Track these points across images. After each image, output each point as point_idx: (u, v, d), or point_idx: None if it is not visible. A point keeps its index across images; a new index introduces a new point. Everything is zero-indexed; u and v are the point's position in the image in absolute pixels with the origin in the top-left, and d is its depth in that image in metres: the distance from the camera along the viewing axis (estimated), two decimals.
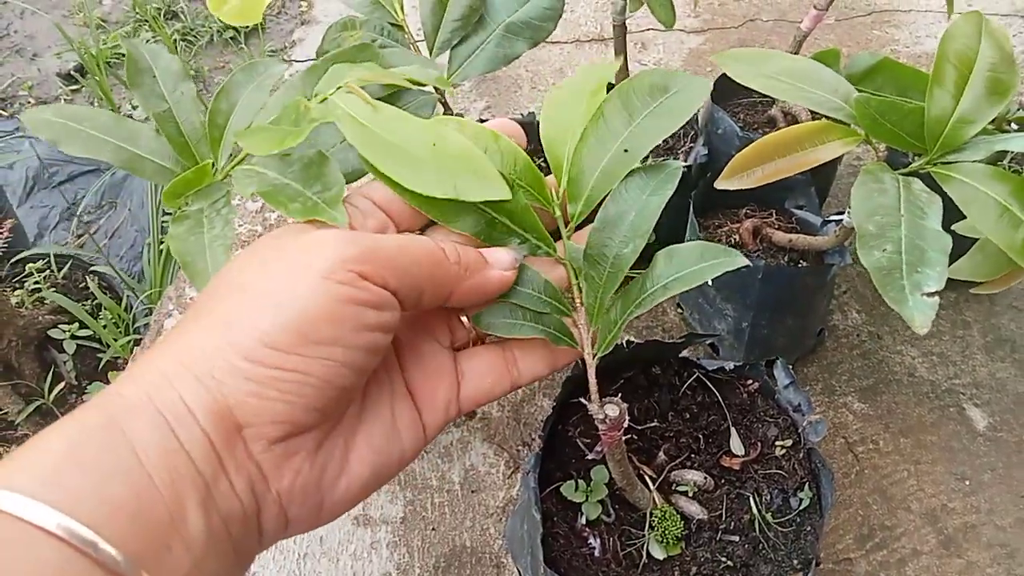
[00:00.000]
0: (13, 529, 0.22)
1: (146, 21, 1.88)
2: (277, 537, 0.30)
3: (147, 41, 1.92)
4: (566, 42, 1.22)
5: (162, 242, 1.12)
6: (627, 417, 0.42)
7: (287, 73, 1.27)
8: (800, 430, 0.53)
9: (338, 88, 0.50)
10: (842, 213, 0.64)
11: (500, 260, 0.38)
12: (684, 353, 0.57)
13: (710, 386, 0.55)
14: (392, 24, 0.73)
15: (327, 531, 0.70)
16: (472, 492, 0.71)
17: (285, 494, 0.29)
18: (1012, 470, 0.70)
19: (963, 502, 0.69)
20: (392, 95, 0.63)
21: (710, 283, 0.73)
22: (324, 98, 0.50)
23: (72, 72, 1.81)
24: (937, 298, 0.48)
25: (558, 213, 0.42)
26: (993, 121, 0.60)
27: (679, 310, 0.84)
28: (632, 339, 0.54)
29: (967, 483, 0.70)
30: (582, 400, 0.42)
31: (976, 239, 0.64)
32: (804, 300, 0.72)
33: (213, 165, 0.54)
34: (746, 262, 0.38)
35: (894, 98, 0.65)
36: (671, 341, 0.53)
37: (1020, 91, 0.79)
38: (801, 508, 0.51)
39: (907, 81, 0.65)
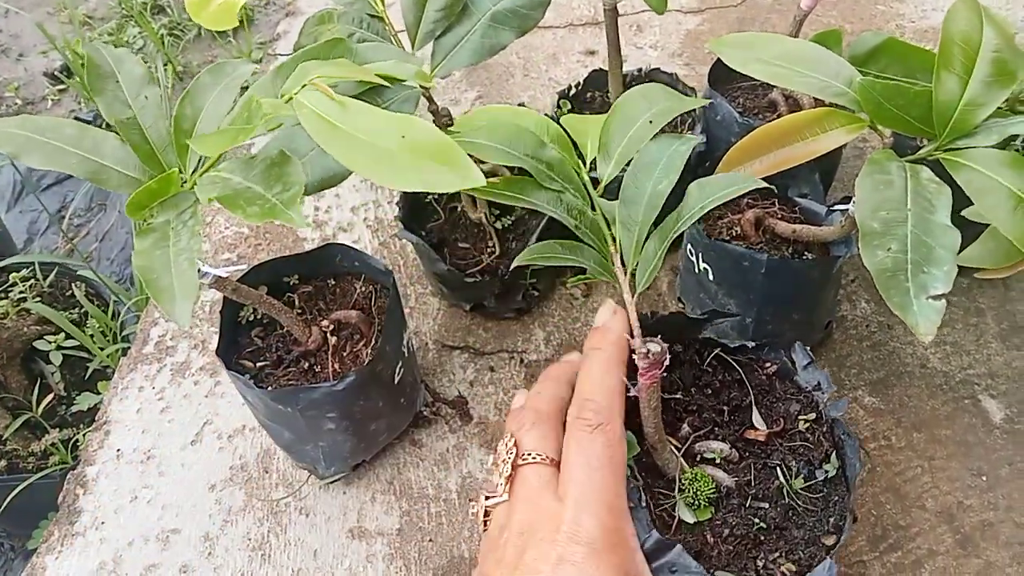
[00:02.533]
0: None
1: (132, 17, 1.85)
2: None
3: (134, 36, 1.89)
4: (559, 27, 1.18)
5: None
6: (668, 355, 0.44)
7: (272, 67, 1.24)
8: (821, 406, 0.53)
9: (303, 86, 0.48)
10: (848, 200, 0.61)
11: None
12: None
13: (732, 363, 0.56)
14: (372, 16, 0.70)
15: (321, 545, 0.68)
16: (469, 501, 0.69)
17: None
18: None
19: (980, 499, 0.66)
20: (372, 91, 0.60)
21: (711, 278, 0.70)
22: (290, 97, 0.48)
23: (57, 72, 1.78)
24: (944, 301, 0.45)
25: (585, 173, 0.52)
26: (1006, 102, 0.57)
27: (680, 303, 0.81)
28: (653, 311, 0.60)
29: (984, 479, 0.67)
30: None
31: (988, 224, 0.61)
32: (810, 293, 0.69)
33: (180, 173, 0.51)
34: (764, 184, 0.49)
35: (900, 80, 0.62)
36: (694, 316, 0.55)
37: None
38: (828, 478, 0.51)
39: (914, 61, 0.62)
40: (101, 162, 0.51)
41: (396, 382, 0.67)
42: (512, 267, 0.48)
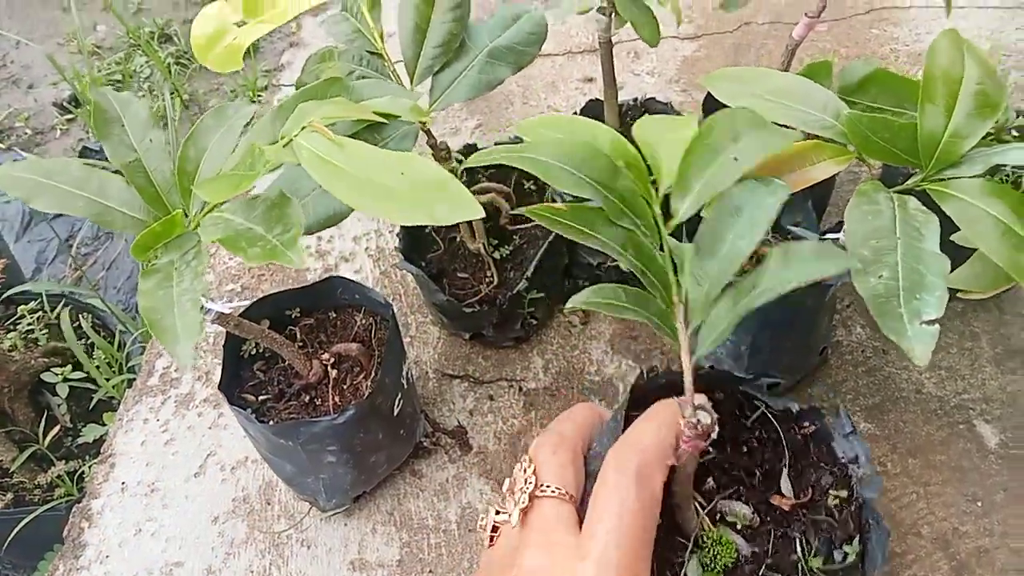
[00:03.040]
0: None
1: (139, 46, 1.88)
2: None
3: (142, 65, 1.92)
4: (558, 54, 1.20)
5: None
6: (716, 428, 0.41)
7: (276, 98, 1.26)
8: (854, 483, 0.50)
9: (302, 128, 0.49)
10: (840, 227, 0.62)
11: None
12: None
13: (772, 421, 0.53)
14: (372, 52, 0.72)
15: None
16: (469, 531, 0.70)
17: None
18: None
19: (975, 525, 0.66)
20: (371, 128, 0.62)
21: None
22: (289, 140, 0.49)
23: (66, 103, 1.81)
24: (937, 326, 0.46)
25: (657, 207, 0.45)
26: (992, 132, 0.58)
27: None
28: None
29: (979, 504, 0.68)
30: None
31: (975, 248, 0.61)
32: (804, 321, 0.70)
33: (185, 214, 0.52)
34: (845, 267, 0.41)
35: (890, 109, 0.63)
36: (739, 375, 0.52)
37: (1022, 101, 0.77)
38: (846, 562, 0.48)
39: (903, 91, 0.63)
40: (107, 204, 0.53)
41: (396, 414, 0.67)
42: (568, 308, 0.42)
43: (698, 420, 0.40)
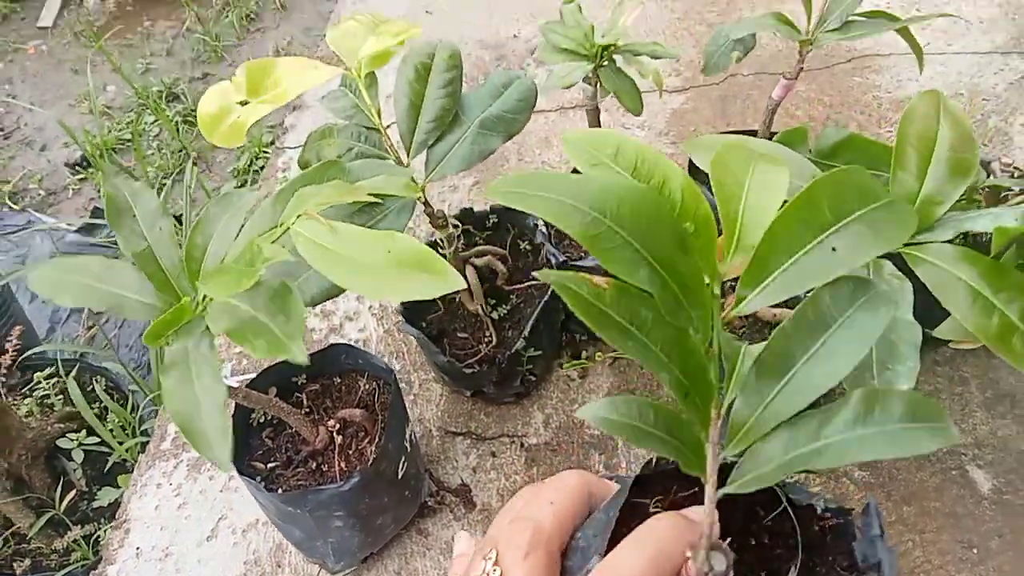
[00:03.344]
0: None
1: (147, 105, 1.93)
2: None
3: (150, 124, 1.97)
4: (550, 110, 1.24)
5: None
6: (732, 572, 0.34)
7: (280, 160, 1.30)
8: None
9: (298, 216, 0.52)
10: None
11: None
12: None
13: (790, 513, 0.43)
14: (369, 128, 0.75)
15: None
16: None
17: None
18: (1020, 535, 0.69)
19: (972, 572, 0.67)
20: (370, 204, 0.65)
21: None
22: (287, 228, 0.52)
23: (78, 164, 1.86)
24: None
25: (717, 291, 0.33)
26: (964, 194, 0.60)
27: None
28: None
29: (975, 551, 0.69)
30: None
31: None
32: None
33: (192, 299, 0.55)
34: (959, 439, 0.29)
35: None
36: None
37: (1001, 146, 0.79)
38: None
39: (876, 155, 0.66)
40: (122, 294, 0.55)
41: (400, 476, 0.70)
42: (579, 415, 0.32)
43: (711, 568, 0.32)
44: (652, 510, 0.37)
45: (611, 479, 0.39)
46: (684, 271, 0.31)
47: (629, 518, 0.35)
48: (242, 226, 0.58)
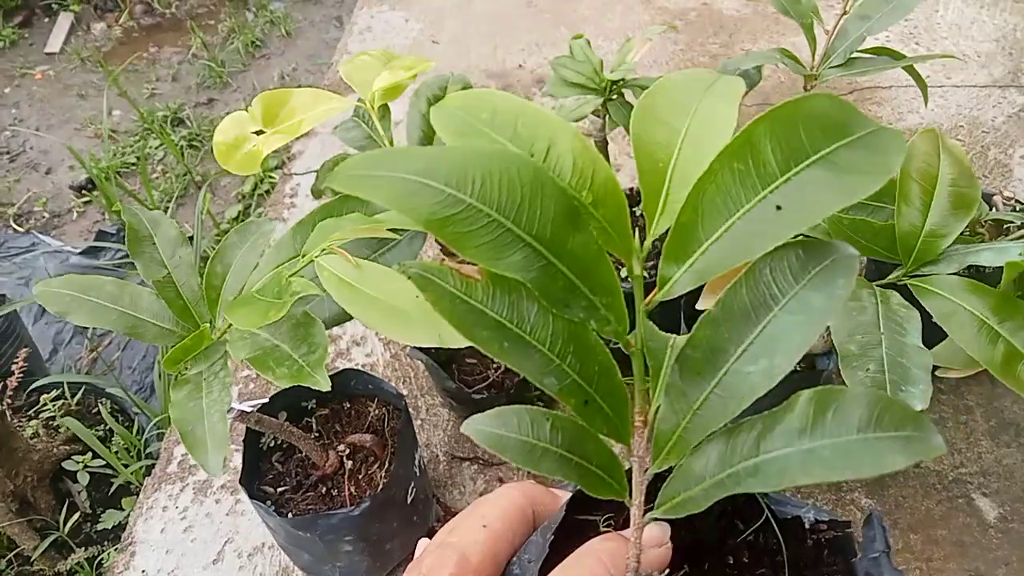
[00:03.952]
0: None
1: (152, 130, 1.95)
2: None
3: (155, 148, 1.99)
4: None
5: None
6: None
7: (287, 187, 1.31)
8: None
9: (322, 250, 0.53)
10: None
11: (653, 538, 0.29)
12: None
13: (773, 525, 0.37)
14: None
15: None
16: None
17: None
18: None
19: None
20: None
21: None
22: (310, 259, 0.53)
23: (84, 187, 1.87)
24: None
25: (638, 271, 0.27)
26: (967, 228, 0.61)
27: None
28: None
29: None
30: (607, 542, 0.29)
31: None
32: None
33: (211, 325, 0.56)
34: (943, 449, 0.21)
35: (870, 205, 0.67)
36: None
37: (1001, 178, 0.81)
38: None
39: (881, 188, 0.67)
40: (139, 317, 0.56)
41: (409, 502, 0.70)
42: (467, 433, 0.28)
43: None
44: (602, 529, 0.33)
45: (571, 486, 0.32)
46: (577, 251, 0.25)
47: (574, 539, 0.30)
48: (260, 257, 0.59)
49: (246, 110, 0.68)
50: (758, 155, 0.25)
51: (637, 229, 0.27)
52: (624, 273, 0.28)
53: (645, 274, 0.28)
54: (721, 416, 0.26)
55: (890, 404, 0.23)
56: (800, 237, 0.26)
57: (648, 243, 0.27)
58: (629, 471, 0.29)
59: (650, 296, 0.27)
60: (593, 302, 0.26)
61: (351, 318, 0.63)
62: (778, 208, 0.25)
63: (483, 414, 0.27)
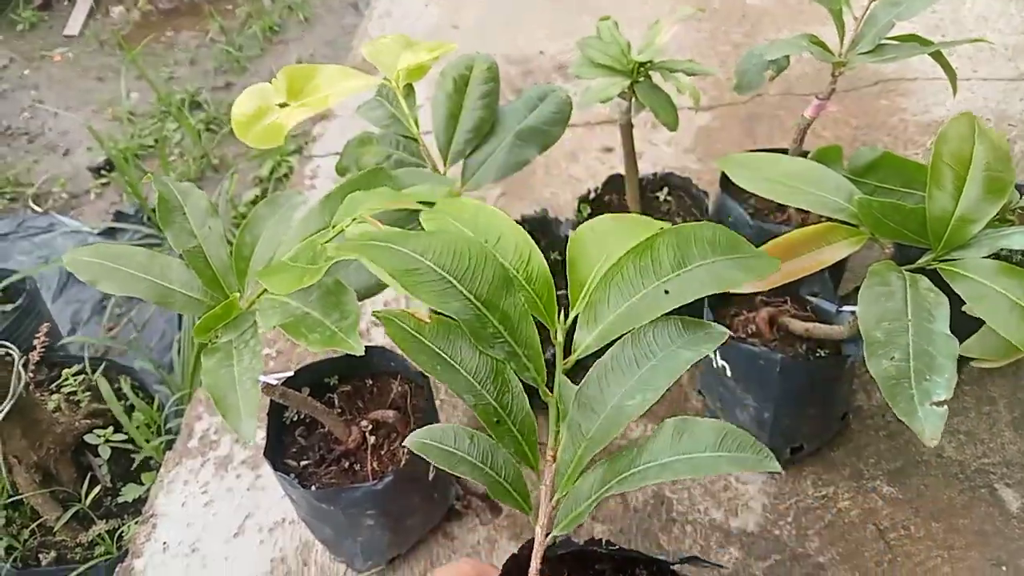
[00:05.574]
0: None
1: (170, 113, 1.96)
2: None
3: (172, 131, 2.00)
4: (577, 125, 1.25)
5: (193, 343, 1.14)
6: None
7: (307, 168, 1.31)
8: None
9: (353, 220, 0.53)
10: (857, 293, 0.65)
11: None
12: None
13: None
14: (406, 137, 0.76)
15: None
16: None
17: None
18: None
19: None
20: (408, 210, 0.66)
21: (728, 374, 0.74)
22: (341, 229, 0.53)
23: (102, 169, 1.88)
24: (946, 407, 0.48)
25: (559, 337, 0.36)
26: (998, 213, 0.61)
27: (700, 396, 0.84)
28: (614, 543, 0.40)
29: (1004, 569, 0.69)
30: None
31: None
32: (825, 390, 0.72)
33: (240, 295, 0.56)
34: (778, 469, 0.32)
35: (898, 190, 0.67)
36: (663, 558, 0.40)
37: None
38: None
39: (910, 173, 0.66)
40: (168, 286, 0.57)
41: (430, 478, 0.70)
42: (407, 446, 0.37)
43: None
44: None
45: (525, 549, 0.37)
46: (507, 310, 0.35)
47: None
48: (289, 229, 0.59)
49: (269, 83, 0.68)
50: (656, 256, 0.36)
51: (562, 308, 0.37)
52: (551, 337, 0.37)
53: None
54: (605, 438, 0.34)
55: (733, 432, 0.33)
56: (685, 317, 0.35)
57: (571, 318, 0.36)
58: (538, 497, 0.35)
59: (571, 357, 0.36)
60: (515, 350, 0.35)
61: (379, 291, 0.63)
62: (666, 292, 0.35)
63: (423, 428, 0.36)
